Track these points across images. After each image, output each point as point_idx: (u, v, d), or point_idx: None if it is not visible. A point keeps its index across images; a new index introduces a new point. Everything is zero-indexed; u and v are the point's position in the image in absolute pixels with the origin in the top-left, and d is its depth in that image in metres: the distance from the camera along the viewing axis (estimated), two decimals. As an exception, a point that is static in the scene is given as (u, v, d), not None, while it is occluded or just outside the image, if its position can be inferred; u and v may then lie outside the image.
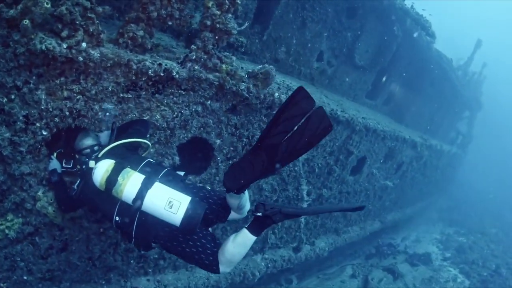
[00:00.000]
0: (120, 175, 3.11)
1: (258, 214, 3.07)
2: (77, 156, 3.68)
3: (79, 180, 3.45)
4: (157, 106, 4.08)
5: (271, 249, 7.22)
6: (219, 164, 5.30)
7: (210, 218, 3.51)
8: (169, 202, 3.05)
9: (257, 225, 3.17)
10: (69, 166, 3.70)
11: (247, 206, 3.49)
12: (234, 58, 4.70)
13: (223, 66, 4.54)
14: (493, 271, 11.49)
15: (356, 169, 8.18)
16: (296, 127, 2.77)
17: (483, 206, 20.85)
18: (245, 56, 6.90)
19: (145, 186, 3.08)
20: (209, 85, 4.35)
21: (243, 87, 4.65)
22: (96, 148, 3.63)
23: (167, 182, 3.21)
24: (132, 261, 5.11)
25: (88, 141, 3.66)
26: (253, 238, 3.17)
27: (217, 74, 4.36)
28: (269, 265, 7.00)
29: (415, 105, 11.36)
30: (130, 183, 3.08)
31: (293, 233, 7.57)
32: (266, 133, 2.80)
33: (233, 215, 3.55)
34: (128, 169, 3.18)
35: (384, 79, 9.93)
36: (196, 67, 4.17)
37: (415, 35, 8.75)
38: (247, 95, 4.72)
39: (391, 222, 10.98)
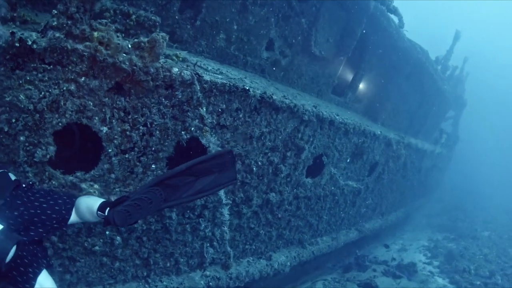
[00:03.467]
0: None
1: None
2: None
3: None
4: (20, 85, 3.31)
5: (214, 264, 6.07)
6: (112, 158, 4.24)
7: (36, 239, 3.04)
8: None
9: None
10: None
11: None
12: (113, 26, 3.71)
13: (95, 33, 3.49)
14: (487, 279, 9.87)
15: (315, 170, 7.07)
16: (205, 177, 3.00)
17: (476, 209, 19.53)
18: (175, 44, 5.93)
19: None
20: (79, 57, 3.42)
21: (122, 59, 3.65)
22: None
23: None
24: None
25: None
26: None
27: (87, 43, 3.41)
28: (211, 283, 5.83)
29: (390, 102, 9.93)
30: None
31: (240, 246, 6.42)
32: (172, 174, 2.97)
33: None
34: None
35: (353, 73, 8.94)
36: (58, 34, 3.29)
37: (372, 6, 7.58)
38: (130, 70, 3.70)
39: (371, 230, 9.42)
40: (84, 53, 3.41)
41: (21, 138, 3.53)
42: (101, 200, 3.14)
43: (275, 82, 6.82)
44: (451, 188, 22.13)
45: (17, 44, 3.15)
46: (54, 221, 3.07)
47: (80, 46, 3.37)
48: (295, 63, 7.27)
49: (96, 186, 3.97)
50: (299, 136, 5.82)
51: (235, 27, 6.16)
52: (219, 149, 4.40)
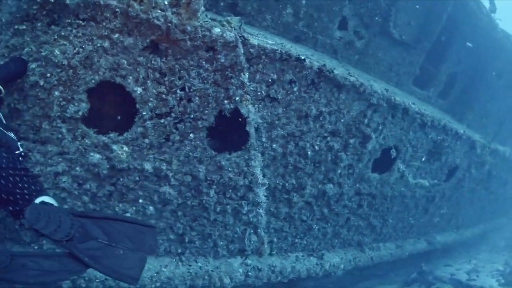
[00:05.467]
0: None
1: None
2: None
3: None
4: (55, 40, 3.13)
5: (257, 254, 5.38)
6: (147, 122, 3.79)
7: None
8: None
9: None
10: None
11: None
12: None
13: (127, -12, 3.12)
14: None
15: (382, 164, 5.99)
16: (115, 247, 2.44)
17: None
18: (241, 19, 5.35)
19: None
20: (113, 13, 3.11)
21: (156, 15, 3.15)
22: None
23: None
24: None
25: None
26: None
27: None
28: (250, 273, 5.17)
29: (478, 102, 8.18)
30: None
31: (289, 238, 5.63)
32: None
33: None
34: None
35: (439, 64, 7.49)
36: None
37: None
38: (165, 27, 3.21)
39: (443, 244, 7.89)
40: (117, 9, 3.10)
41: (56, 93, 3.30)
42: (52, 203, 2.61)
43: (348, 65, 5.88)
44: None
45: (52, 0, 2.98)
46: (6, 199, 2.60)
47: (113, 2, 3.08)
48: (371, 46, 6.23)
49: (125, 148, 3.55)
50: (366, 122, 4.85)
51: (304, 1, 5.37)
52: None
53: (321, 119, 4.44)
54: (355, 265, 6.05)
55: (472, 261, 9.38)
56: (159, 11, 3.15)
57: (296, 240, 5.41)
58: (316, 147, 4.61)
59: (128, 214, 3.98)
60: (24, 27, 3.11)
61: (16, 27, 3.10)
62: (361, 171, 5.37)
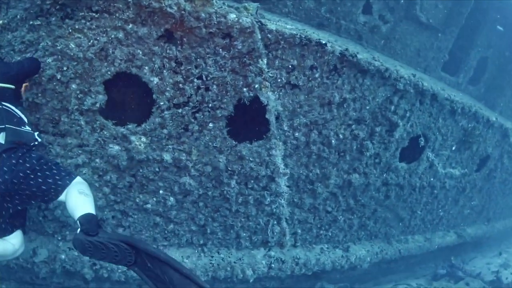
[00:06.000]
0: None
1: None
2: None
3: None
4: (70, 33, 3.11)
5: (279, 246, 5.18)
6: (165, 112, 3.66)
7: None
8: None
9: None
10: None
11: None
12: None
13: (139, -22, 3.01)
14: None
15: (410, 153, 5.65)
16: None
17: None
18: (258, 4, 5.13)
19: None
20: (125, 3, 3.05)
21: (169, 3, 3.01)
22: None
23: None
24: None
25: None
26: None
27: None
28: (273, 265, 5.01)
29: (511, 88, 7.55)
30: None
31: (314, 230, 5.41)
32: (152, 252, 2.36)
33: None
34: None
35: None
36: None
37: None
38: (178, 15, 3.01)
39: (473, 237, 7.40)
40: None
41: (73, 86, 3.27)
42: (87, 209, 2.51)
43: (374, 51, 5.55)
44: None
45: None
46: (41, 194, 2.61)
47: None
48: (398, 31, 5.84)
49: (143, 139, 3.44)
50: (392, 108, 4.55)
51: (326, -14, 5.11)
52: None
53: (345, 106, 4.18)
54: (382, 258, 5.76)
55: (503, 254, 8.81)
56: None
57: (321, 232, 5.19)
58: (341, 136, 4.36)
59: (148, 205, 3.89)
60: (39, 22, 3.10)
61: (31, 22, 3.09)
62: (388, 160, 5.07)
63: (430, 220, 6.39)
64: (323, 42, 3.59)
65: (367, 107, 4.37)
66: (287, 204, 4.35)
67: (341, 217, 5.17)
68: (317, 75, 3.78)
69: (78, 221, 2.41)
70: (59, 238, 3.97)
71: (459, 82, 6.83)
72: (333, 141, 4.28)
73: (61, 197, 2.63)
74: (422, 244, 6.26)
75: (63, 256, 3.91)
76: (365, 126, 4.51)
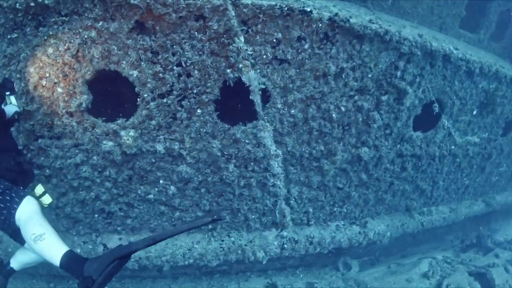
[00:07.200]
0: None
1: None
2: None
3: None
4: (46, 40, 3.08)
5: (295, 225, 4.94)
6: (150, 104, 3.46)
7: None
8: None
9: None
10: None
11: None
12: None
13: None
14: None
15: (425, 121, 5.08)
16: None
17: None
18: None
19: None
20: (91, 2, 2.92)
21: None
22: None
23: None
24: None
25: None
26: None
27: None
28: (286, 246, 4.78)
29: None
30: None
31: (327, 207, 5.08)
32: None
33: None
34: None
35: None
36: None
37: None
38: (143, 4, 2.72)
39: (503, 204, 6.65)
40: None
41: (59, 90, 3.21)
42: (56, 256, 2.20)
43: (381, 12, 4.98)
44: None
45: (33, 4, 2.88)
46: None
47: None
48: (406, -12, 5.21)
49: (131, 133, 3.29)
50: (399, 74, 4.06)
51: None
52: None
53: (343, 77, 3.77)
54: (403, 232, 5.35)
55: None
56: (136, -11, 2.79)
57: (335, 209, 4.87)
58: (343, 108, 3.97)
59: (151, 196, 3.79)
60: (16, 35, 3.05)
61: (9, 36, 3.06)
62: (400, 130, 4.61)
63: (455, 190, 5.82)
64: (308, 9, 3.20)
65: (369, 75, 3.92)
66: (284, 185, 4.06)
67: (354, 192, 4.81)
68: (306, 46, 3.40)
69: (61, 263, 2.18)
70: (74, 233, 4.01)
71: (480, 39, 6.07)
72: (334, 115, 3.90)
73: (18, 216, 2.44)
74: (447, 215, 5.74)
75: (78, 250, 3.94)
76: (370, 96, 4.07)
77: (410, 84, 4.23)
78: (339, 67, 3.67)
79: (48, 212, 3.78)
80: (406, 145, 4.79)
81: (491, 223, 6.97)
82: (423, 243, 6.26)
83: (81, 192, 3.73)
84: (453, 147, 5.22)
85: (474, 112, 5.08)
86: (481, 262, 5.17)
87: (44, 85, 3.15)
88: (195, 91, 3.25)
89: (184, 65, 3.11)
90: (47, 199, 2.88)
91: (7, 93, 2.98)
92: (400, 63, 4.00)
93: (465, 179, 5.74)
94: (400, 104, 4.33)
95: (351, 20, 3.42)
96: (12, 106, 3.03)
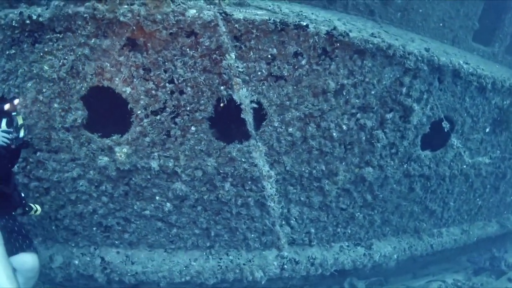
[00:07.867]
0: None
1: None
2: None
3: None
4: (41, 56, 3.08)
5: (296, 245, 4.70)
6: (143, 121, 3.36)
7: None
8: None
9: None
10: None
11: None
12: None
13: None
14: None
15: (434, 140, 4.76)
16: None
17: None
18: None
19: None
20: (83, 19, 2.91)
21: (122, 11, 2.75)
22: None
23: None
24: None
25: None
26: None
27: (87, 3, 2.87)
28: (286, 266, 4.53)
29: None
30: None
31: (329, 228, 4.81)
32: None
33: None
34: None
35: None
36: (57, 2, 2.87)
37: None
38: (133, 22, 2.69)
39: None
40: (86, 14, 2.87)
41: (55, 105, 3.19)
42: None
43: (390, 26, 4.75)
44: None
45: (28, 22, 2.91)
46: None
47: (80, 8, 2.87)
48: (416, 0, 4.97)
49: (124, 150, 3.20)
50: (404, 91, 3.83)
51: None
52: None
53: (344, 94, 3.57)
54: (411, 255, 5.00)
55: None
56: (126, 7, 2.75)
57: (338, 230, 4.60)
58: (344, 127, 3.75)
59: (147, 212, 3.67)
60: (14, 51, 3.07)
61: (7, 52, 3.07)
62: (407, 149, 4.33)
63: (467, 211, 5.43)
64: (303, 24, 3.05)
65: (373, 92, 3.70)
66: (279, 207, 3.84)
67: (359, 213, 4.54)
68: (303, 62, 3.24)
69: None
70: (73, 245, 3.94)
71: (494, 52, 5.72)
72: (334, 133, 3.69)
73: None
74: (458, 237, 5.35)
75: (76, 262, 3.86)
76: (373, 113, 3.85)
77: (417, 101, 3.98)
78: (339, 83, 3.48)
79: (48, 223, 3.75)
80: (414, 165, 4.50)
81: (506, 245, 6.46)
82: (434, 264, 5.85)
83: (79, 205, 3.66)
84: (464, 166, 4.87)
85: (487, 130, 4.73)
86: (493, 287, 4.74)
87: (41, 100, 3.14)
88: (188, 108, 3.14)
89: (176, 82, 3.01)
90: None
91: (14, 113, 2.92)
92: (406, 79, 3.77)
93: (478, 199, 5.35)
94: (406, 122, 4.07)
95: (350, 34, 3.24)
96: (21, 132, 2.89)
